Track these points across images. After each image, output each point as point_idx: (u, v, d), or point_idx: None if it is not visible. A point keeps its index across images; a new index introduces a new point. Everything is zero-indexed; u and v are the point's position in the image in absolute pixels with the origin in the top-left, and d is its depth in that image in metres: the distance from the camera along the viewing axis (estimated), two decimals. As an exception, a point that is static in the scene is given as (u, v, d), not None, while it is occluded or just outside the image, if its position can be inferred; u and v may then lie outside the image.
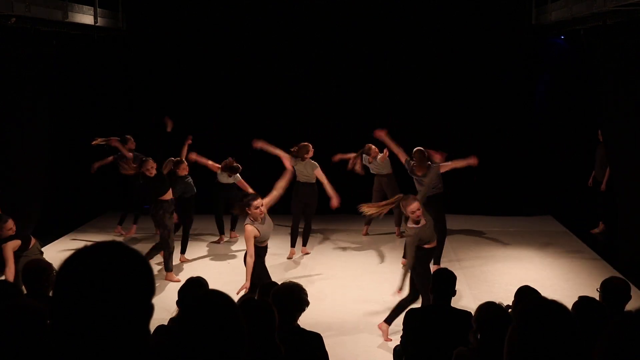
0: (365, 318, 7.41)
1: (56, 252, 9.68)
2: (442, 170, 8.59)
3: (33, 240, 6.89)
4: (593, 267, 9.02)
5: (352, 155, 10.34)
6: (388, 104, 11.95)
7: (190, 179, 9.52)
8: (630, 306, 4.48)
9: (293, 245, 9.65)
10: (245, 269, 6.85)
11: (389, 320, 6.75)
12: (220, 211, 10.24)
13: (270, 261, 9.50)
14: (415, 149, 9.01)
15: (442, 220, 8.73)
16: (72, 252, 1.61)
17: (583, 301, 4.09)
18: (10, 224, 6.67)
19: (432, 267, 8.99)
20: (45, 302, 3.19)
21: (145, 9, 11.97)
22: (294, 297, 4.21)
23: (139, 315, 1.59)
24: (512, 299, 4.80)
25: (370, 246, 10.20)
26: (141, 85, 12.10)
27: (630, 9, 7.97)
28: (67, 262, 1.59)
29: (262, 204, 6.83)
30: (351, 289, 8.36)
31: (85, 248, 1.61)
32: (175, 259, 9.17)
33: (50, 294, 4.44)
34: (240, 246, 9.97)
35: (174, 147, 10.08)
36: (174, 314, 4.89)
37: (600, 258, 9.43)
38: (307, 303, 4.27)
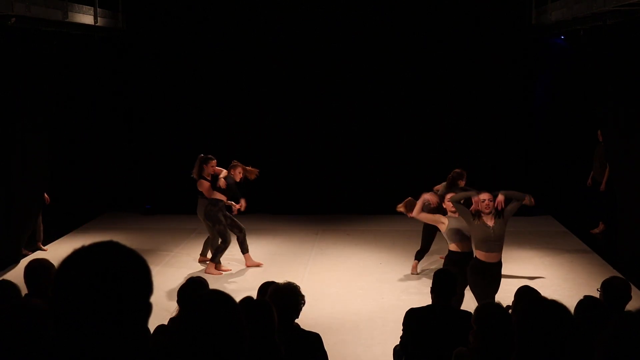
0: (365, 318, 7.41)
1: (56, 252, 9.69)
2: None
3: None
4: (593, 267, 9.02)
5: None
6: (387, 105, 11.95)
7: None
8: (630, 306, 4.48)
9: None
10: None
11: None
12: None
13: (271, 260, 9.52)
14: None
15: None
16: (70, 252, 1.61)
17: (587, 301, 4.09)
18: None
19: (413, 262, 8.97)
20: (47, 302, 3.18)
21: (145, 9, 11.97)
22: (292, 297, 4.20)
23: (137, 315, 1.59)
24: (512, 299, 4.81)
25: (370, 246, 10.20)
26: (141, 85, 12.10)
27: (630, 9, 7.98)
28: (65, 262, 1.59)
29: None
30: (351, 289, 8.36)
31: (83, 248, 1.60)
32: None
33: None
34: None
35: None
36: (174, 314, 4.89)
37: (600, 258, 9.43)
38: (303, 303, 4.26)
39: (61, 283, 1.57)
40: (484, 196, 6.54)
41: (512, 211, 6.65)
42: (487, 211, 6.50)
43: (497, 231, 6.50)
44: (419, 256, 8.93)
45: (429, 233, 8.72)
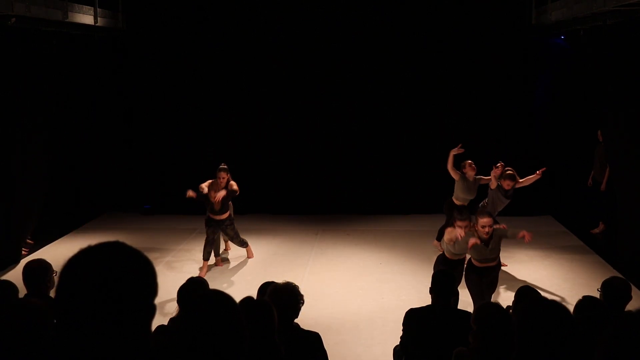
0: (365, 318, 7.40)
1: (56, 252, 9.69)
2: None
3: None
4: (593, 267, 9.02)
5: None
6: (387, 105, 11.94)
7: None
8: (630, 306, 4.48)
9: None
10: None
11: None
12: None
13: (271, 260, 9.52)
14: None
15: None
16: (76, 252, 1.61)
17: (587, 301, 4.09)
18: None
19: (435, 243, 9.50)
20: (47, 302, 3.19)
21: (145, 9, 11.96)
22: (291, 296, 4.20)
23: (140, 316, 1.59)
24: (512, 299, 4.81)
25: (370, 246, 10.20)
26: (141, 85, 12.10)
27: (630, 9, 7.98)
28: (70, 262, 1.59)
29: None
30: (351, 289, 8.36)
31: (88, 248, 1.61)
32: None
33: (51, 294, 4.45)
34: (238, 249, 9.94)
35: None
36: (174, 314, 4.90)
37: (600, 258, 9.43)
38: (302, 303, 4.26)
39: (66, 281, 1.57)
40: (484, 222, 6.58)
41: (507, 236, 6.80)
42: (486, 237, 6.60)
43: (494, 251, 6.67)
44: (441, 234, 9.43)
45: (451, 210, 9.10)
